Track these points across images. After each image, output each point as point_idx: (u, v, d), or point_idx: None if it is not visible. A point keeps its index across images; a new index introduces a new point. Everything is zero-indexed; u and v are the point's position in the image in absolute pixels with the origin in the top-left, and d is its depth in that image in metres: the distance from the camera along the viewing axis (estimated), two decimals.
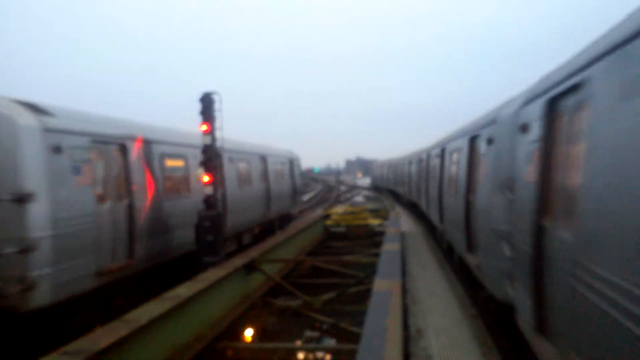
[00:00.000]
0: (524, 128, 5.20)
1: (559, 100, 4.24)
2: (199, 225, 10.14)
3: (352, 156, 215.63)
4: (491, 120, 7.24)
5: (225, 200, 13.02)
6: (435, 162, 14.01)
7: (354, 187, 68.34)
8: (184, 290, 6.35)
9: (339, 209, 22.50)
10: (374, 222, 16.77)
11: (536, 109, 4.78)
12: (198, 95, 10.37)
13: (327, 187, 68.58)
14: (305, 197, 48.23)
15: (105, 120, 9.15)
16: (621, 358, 2.71)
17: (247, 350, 6.82)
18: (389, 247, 9.65)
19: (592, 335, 3.18)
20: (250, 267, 8.56)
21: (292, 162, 22.77)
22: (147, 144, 9.87)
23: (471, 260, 8.28)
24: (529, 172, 4.90)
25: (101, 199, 8.24)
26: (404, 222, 19.08)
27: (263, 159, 17.83)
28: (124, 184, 8.95)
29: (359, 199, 40.07)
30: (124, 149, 9.01)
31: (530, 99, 5.17)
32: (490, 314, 7.27)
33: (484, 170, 7.45)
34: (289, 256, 11.05)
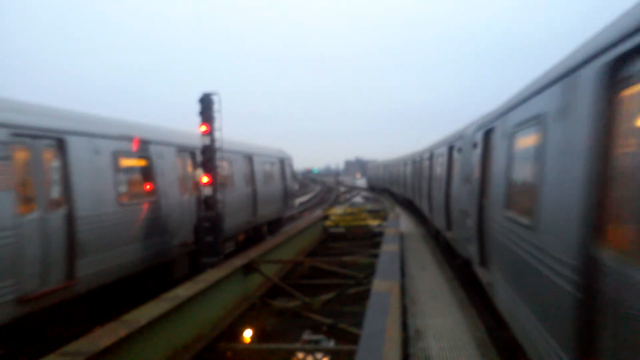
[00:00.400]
0: (475, 145, 8.24)
1: (489, 133, 7.10)
2: (199, 226, 10.18)
3: (352, 157, 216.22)
4: (460, 136, 10.16)
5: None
6: (426, 164, 17.02)
7: (353, 188, 68.42)
8: (183, 291, 6.35)
9: (338, 210, 22.53)
10: (373, 222, 16.80)
11: (480, 135, 7.72)
12: (197, 95, 10.41)
13: (327, 188, 68.72)
14: (305, 198, 48.28)
15: (38, 110, 7.38)
16: (509, 264, 5.22)
17: (246, 351, 6.82)
18: (388, 248, 9.66)
19: (496, 253, 6.07)
20: (249, 268, 8.57)
21: (283, 162, 20.62)
22: (96, 139, 8.17)
23: (449, 235, 11.44)
24: (476, 172, 7.89)
25: (26, 207, 6.60)
26: (403, 220, 19.09)
27: (248, 158, 15.98)
28: (62, 187, 7.29)
29: (358, 199, 40.08)
30: (62, 145, 7.35)
31: (478, 128, 8.11)
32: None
33: (456, 170, 10.47)
34: (288, 257, 11.06)
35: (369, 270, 8.69)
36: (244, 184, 15.24)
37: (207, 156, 10.36)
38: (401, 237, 13.02)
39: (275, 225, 19.44)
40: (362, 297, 7.63)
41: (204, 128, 10.35)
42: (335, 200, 41.29)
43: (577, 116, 3.35)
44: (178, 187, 10.77)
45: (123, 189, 8.88)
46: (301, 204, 40.48)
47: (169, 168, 10.52)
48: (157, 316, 5.34)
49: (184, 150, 11.31)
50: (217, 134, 10.54)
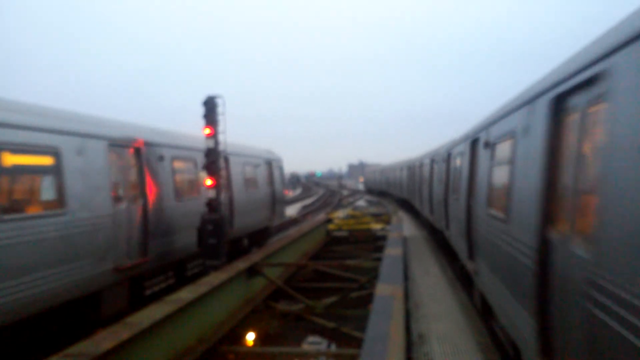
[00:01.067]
0: (444, 160, 13.23)
1: (451, 154, 11.67)
2: (202, 229, 10.18)
3: (355, 160, 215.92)
4: (437, 153, 15.33)
5: (145, 219, 9.38)
6: (417, 170, 22.16)
7: (355, 192, 68.49)
8: (186, 294, 6.35)
9: (341, 213, 22.51)
10: (376, 226, 16.78)
11: (446, 155, 12.67)
12: (198, 97, 10.42)
13: (330, 191, 68.86)
14: (308, 201, 48.25)
15: None
16: (455, 221, 10.22)
17: (248, 355, 6.81)
18: (391, 252, 9.64)
19: (452, 220, 11.00)
20: (252, 271, 8.56)
21: (270, 164, 17.69)
22: None
23: (431, 218, 16.43)
24: (444, 177, 12.71)
25: None
26: (404, 221, 19.06)
27: (223, 158, 11.97)
28: None
29: (361, 203, 40.05)
30: None
31: (445, 151, 13.08)
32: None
33: (436, 175, 15.31)
34: (291, 260, 11.04)
35: (372, 274, 8.67)
36: None
37: (211, 159, 10.37)
38: (404, 241, 13.00)
39: (259, 237, 16.51)
40: (365, 301, 7.62)
41: (207, 131, 10.36)
42: (338, 203, 41.27)
43: (467, 157, 8.75)
44: (109, 194, 8.35)
45: (10, 197, 6.50)
46: (304, 206, 40.50)
47: (95, 168, 8.08)
48: (160, 319, 5.34)
49: (122, 145, 9.04)
50: (221, 137, 10.53)
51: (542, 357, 3.82)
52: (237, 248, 13.98)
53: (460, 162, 9.99)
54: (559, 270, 3.58)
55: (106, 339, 4.55)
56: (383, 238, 13.31)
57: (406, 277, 9.44)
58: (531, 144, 4.41)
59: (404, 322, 5.63)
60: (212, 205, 10.35)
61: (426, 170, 18.26)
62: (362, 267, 9.99)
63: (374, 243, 14.08)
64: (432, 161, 16.50)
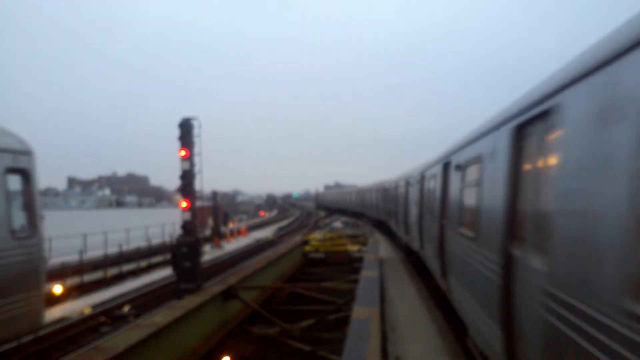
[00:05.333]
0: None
1: (424, 178, 11.69)
2: (176, 252, 10.05)
3: (331, 181, 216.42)
4: (395, 181, 20.40)
5: None
6: (377, 194, 30.39)
7: (332, 212, 68.63)
8: (160, 318, 6.25)
9: (317, 235, 22.48)
10: (353, 248, 16.81)
11: (415, 180, 13.68)
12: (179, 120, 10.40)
13: (306, 212, 68.80)
14: (285, 222, 48.05)
15: None
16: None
17: None
18: (368, 274, 9.66)
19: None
20: (228, 294, 8.47)
21: None
22: None
23: (392, 227, 20.59)
24: (410, 198, 14.89)
25: None
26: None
27: None
28: None
29: (337, 224, 40.08)
30: None
31: (406, 177, 16.19)
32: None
33: (396, 196, 19.40)
34: (268, 282, 10.96)
35: (349, 296, 8.67)
36: None
37: (187, 181, 10.31)
38: (380, 263, 13.05)
39: None
40: (342, 323, 7.60)
41: (183, 153, 10.32)
42: (314, 225, 41.21)
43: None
44: None
45: None
46: (281, 228, 40.31)
47: None
48: (135, 343, 5.24)
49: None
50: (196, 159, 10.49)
51: None
52: None
53: (411, 190, 17.96)
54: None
55: None
56: (360, 259, 13.34)
57: (383, 299, 9.47)
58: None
59: (381, 345, 5.63)
60: (187, 227, 10.26)
61: (388, 194, 27.30)
62: (338, 289, 9.98)
63: (351, 264, 14.09)
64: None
